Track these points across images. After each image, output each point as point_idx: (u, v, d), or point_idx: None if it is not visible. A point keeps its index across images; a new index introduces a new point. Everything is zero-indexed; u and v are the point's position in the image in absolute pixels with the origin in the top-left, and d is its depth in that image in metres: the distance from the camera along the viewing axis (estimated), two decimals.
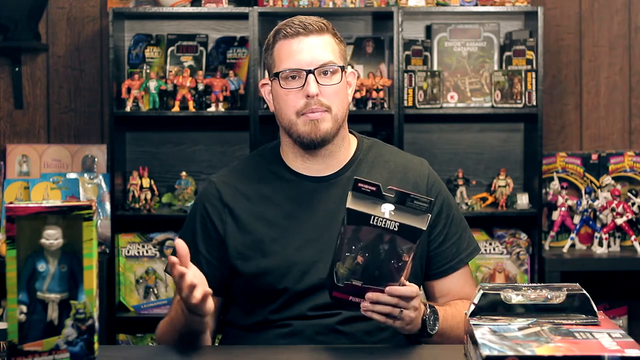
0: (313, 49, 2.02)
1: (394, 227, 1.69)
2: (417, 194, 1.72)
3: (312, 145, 2.04)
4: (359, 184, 1.72)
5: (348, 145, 2.12)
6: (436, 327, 1.92)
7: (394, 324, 1.82)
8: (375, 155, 2.13)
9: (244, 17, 3.68)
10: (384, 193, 1.72)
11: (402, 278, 1.76)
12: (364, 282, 1.75)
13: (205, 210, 2.09)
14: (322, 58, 2.02)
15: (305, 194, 2.06)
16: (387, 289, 1.76)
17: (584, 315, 1.70)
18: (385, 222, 1.69)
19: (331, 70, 2.03)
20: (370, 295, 1.76)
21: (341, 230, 1.73)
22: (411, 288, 1.78)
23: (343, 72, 2.05)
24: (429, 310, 1.91)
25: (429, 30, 3.87)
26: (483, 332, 1.61)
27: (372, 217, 1.69)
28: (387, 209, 1.70)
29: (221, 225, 2.07)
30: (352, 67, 3.75)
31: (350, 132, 2.15)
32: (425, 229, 1.69)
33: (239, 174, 2.12)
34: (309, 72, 2.01)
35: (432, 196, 2.06)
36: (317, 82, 2.01)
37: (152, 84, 3.65)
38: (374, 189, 1.72)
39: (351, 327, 2.00)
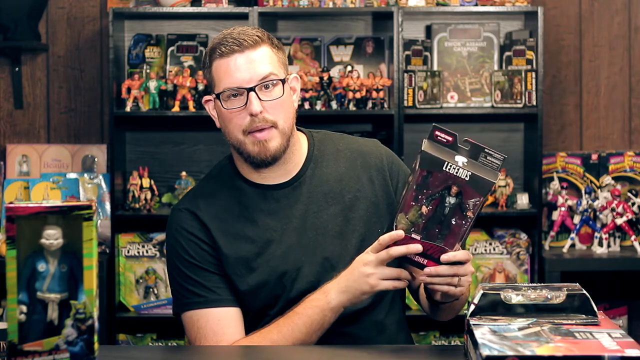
0: (250, 65, 1.96)
1: (466, 176, 1.66)
2: (492, 149, 1.70)
3: (263, 164, 2.01)
4: (436, 132, 1.67)
5: (300, 146, 2.08)
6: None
7: (450, 291, 1.82)
8: (329, 146, 2.11)
9: (244, 17, 3.68)
10: (458, 145, 1.68)
11: (458, 244, 1.75)
12: (423, 237, 1.74)
13: (188, 233, 2.02)
14: (261, 72, 1.97)
15: (273, 203, 2.03)
16: (443, 256, 1.76)
17: (584, 315, 1.70)
18: (458, 170, 1.66)
19: (272, 83, 1.98)
20: (429, 270, 1.77)
21: (409, 179, 1.70)
22: (466, 252, 1.79)
23: (285, 83, 2.00)
24: None
25: (429, 30, 3.87)
26: (483, 332, 1.61)
27: (446, 163, 1.66)
28: (460, 160, 1.67)
29: (212, 242, 2.02)
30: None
31: (297, 129, 2.11)
32: (496, 182, 1.68)
33: (205, 198, 2.06)
34: (249, 89, 1.96)
35: (394, 173, 2.07)
36: (259, 98, 1.96)
37: (152, 84, 3.65)
38: (450, 139, 1.67)
39: (350, 328, 2.00)
